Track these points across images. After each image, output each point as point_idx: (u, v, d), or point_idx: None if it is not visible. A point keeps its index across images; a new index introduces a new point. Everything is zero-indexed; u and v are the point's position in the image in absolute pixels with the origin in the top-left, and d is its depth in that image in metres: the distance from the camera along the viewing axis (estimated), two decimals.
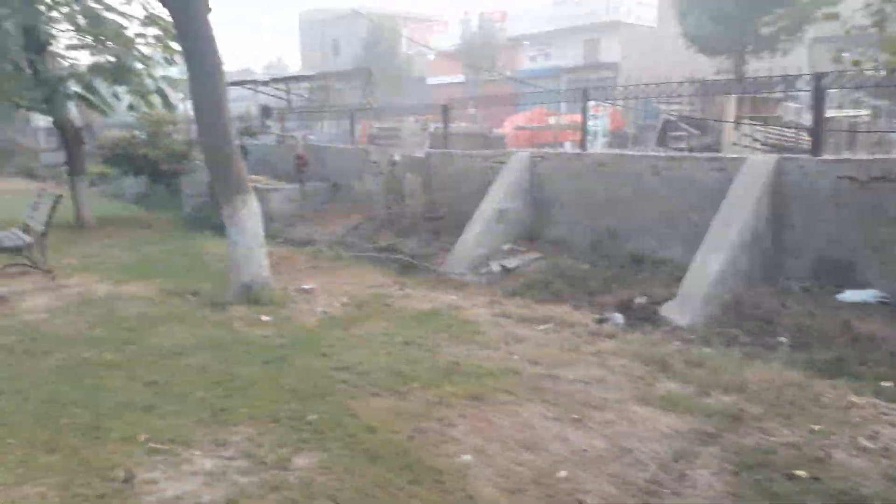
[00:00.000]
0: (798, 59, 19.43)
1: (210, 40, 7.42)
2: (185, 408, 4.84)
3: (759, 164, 7.84)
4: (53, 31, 12.91)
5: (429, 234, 11.45)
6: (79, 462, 4.06)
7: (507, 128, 21.96)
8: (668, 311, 7.06)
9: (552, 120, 21.32)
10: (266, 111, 18.77)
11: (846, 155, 10.01)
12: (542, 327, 6.76)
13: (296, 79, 19.07)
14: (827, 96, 8.65)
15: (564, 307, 7.47)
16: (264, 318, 7.12)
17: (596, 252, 9.12)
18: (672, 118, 16.25)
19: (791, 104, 15.67)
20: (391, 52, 41.07)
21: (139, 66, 13.32)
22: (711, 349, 6.13)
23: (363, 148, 15.28)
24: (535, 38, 38.88)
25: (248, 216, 7.72)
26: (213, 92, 7.51)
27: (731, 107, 14.17)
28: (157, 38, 13.18)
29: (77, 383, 5.35)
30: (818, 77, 7.89)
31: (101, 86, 13.96)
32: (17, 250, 8.93)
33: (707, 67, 21.85)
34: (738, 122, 13.14)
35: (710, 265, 7.22)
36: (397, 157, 13.35)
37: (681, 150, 13.51)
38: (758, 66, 21.22)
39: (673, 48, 25.92)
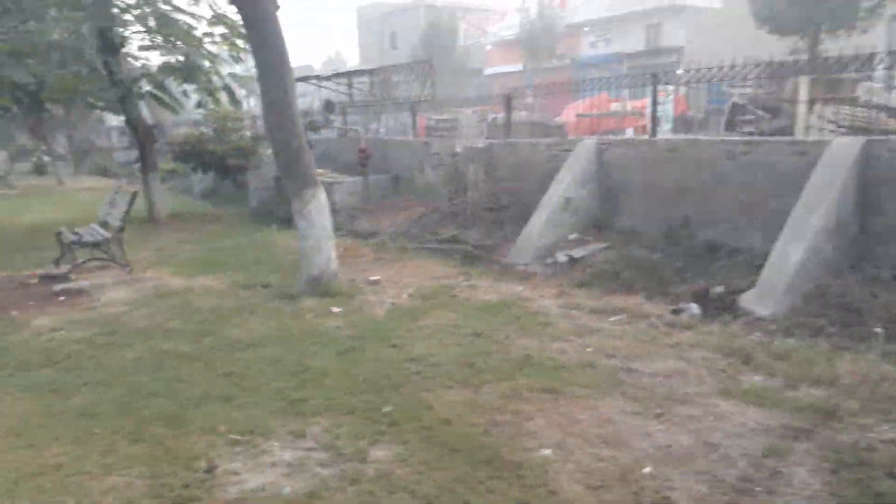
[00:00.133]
0: (876, 38, 18.38)
1: (279, 37, 7.48)
2: (261, 399, 4.90)
3: (845, 147, 7.42)
4: (126, 33, 13.33)
5: (491, 225, 11.33)
6: (163, 452, 4.15)
7: (567, 116, 21.58)
8: (748, 301, 6.77)
9: (615, 106, 20.83)
10: (329, 106, 18.96)
11: None
12: (614, 319, 6.58)
13: (358, 73, 19.19)
14: None
15: (636, 298, 7.24)
16: (334, 309, 7.16)
17: (667, 241, 8.81)
18: (741, 102, 15.64)
19: (871, 84, 14.84)
20: (449, 43, 40.98)
21: (207, 64, 13.63)
22: (796, 340, 5.84)
23: (424, 140, 15.26)
24: (596, 24, 38.09)
25: (317, 210, 7.77)
26: (282, 88, 7.57)
27: (804, 88, 13.53)
28: (223, 36, 13.48)
29: (157, 374, 5.50)
30: None
31: (171, 84, 14.36)
32: (96, 245, 9.27)
33: (777, 48, 20.92)
34: (824, 101, 12.48)
35: (792, 253, 6.88)
36: (459, 149, 13.26)
37: (750, 134, 12.97)
38: (833, 46, 20.19)
39: (740, 30, 24.92)
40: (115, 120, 29.55)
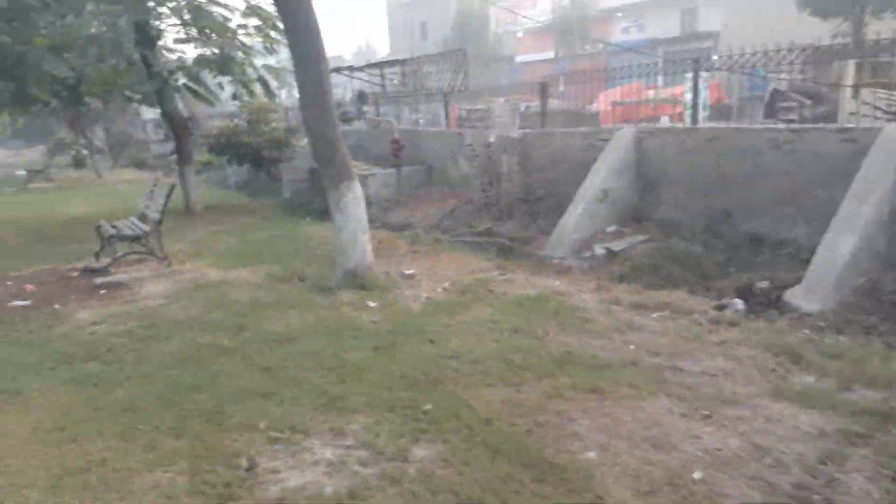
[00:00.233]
0: None
1: (314, 28, 7.42)
2: (301, 394, 4.88)
3: None
4: (162, 26, 13.43)
5: (526, 217, 11.19)
6: (204, 448, 4.15)
7: (600, 103, 21.22)
8: (794, 296, 6.55)
9: (651, 94, 20.42)
10: (362, 97, 18.92)
11: None
12: (656, 315, 6.42)
13: (390, 63, 19.10)
14: None
15: (678, 293, 7.07)
16: (370, 303, 7.13)
17: (709, 233, 8.59)
18: (781, 88, 15.18)
19: None
20: (480, 32, 40.63)
21: (241, 56, 13.68)
22: (847, 338, 5.64)
23: (457, 131, 15.13)
24: (629, 9, 37.42)
25: (353, 202, 7.74)
26: (318, 79, 7.52)
27: (850, 73, 13.08)
28: (257, 28, 13.50)
29: (197, 368, 5.52)
30: None
31: (206, 77, 14.45)
32: (135, 239, 9.37)
33: (819, 32, 20.29)
34: (870, 86, 12.03)
35: (841, 246, 6.63)
36: (492, 139, 13.11)
37: (791, 121, 12.58)
38: (880, 28, 19.50)
39: (779, 13, 24.23)
40: (150, 113, 29.93)
